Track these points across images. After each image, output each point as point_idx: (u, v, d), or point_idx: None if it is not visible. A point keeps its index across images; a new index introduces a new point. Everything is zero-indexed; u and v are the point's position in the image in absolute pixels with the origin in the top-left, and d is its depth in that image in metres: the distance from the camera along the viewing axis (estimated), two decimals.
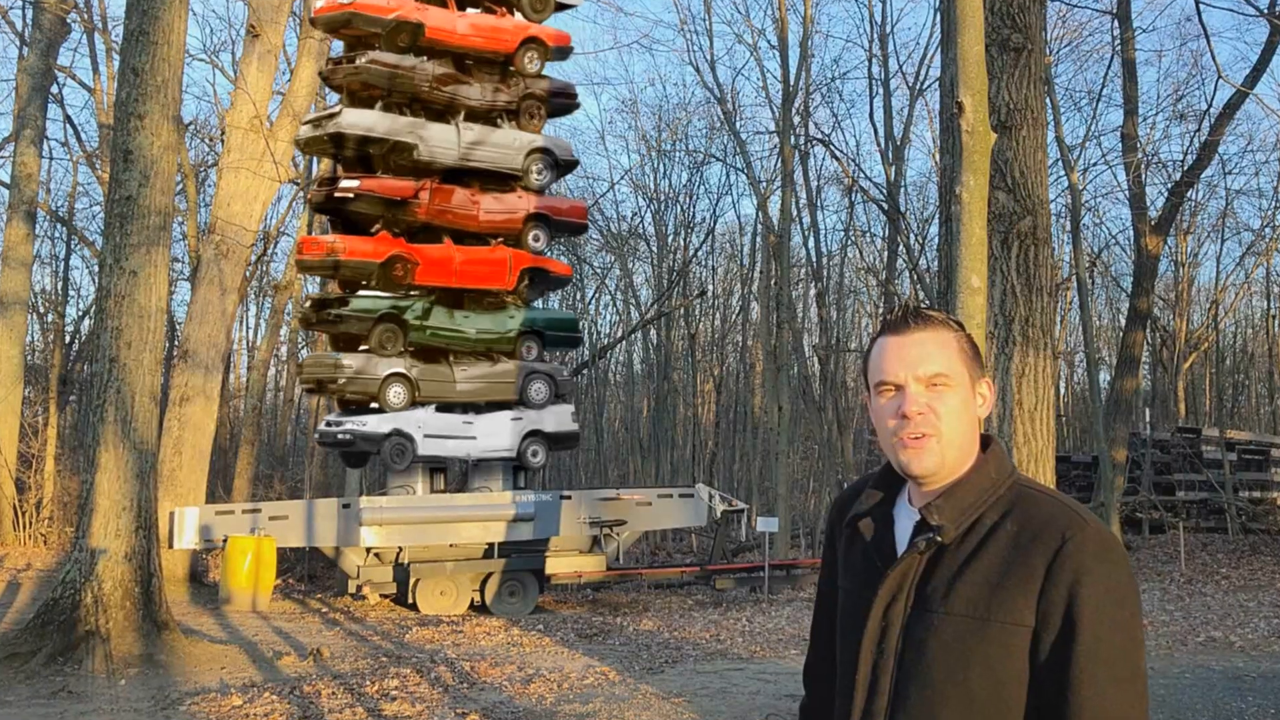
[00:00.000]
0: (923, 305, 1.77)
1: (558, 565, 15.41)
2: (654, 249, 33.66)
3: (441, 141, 15.59)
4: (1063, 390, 35.97)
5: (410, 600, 14.66)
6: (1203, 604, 13.64)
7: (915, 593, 1.66)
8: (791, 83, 23.46)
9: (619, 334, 33.76)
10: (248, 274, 21.14)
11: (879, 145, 26.79)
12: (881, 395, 1.72)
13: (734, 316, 37.35)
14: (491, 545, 15.16)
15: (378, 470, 21.31)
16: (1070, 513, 1.62)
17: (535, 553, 15.43)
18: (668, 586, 17.12)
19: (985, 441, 1.74)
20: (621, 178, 36.09)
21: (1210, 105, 22.99)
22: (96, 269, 21.82)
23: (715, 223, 35.78)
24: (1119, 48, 21.23)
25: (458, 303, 15.83)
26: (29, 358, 23.95)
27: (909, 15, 61.33)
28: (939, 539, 1.65)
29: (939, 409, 1.67)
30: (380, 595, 15.05)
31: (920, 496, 1.72)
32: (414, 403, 15.12)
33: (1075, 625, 1.54)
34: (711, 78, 31.77)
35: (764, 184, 27.86)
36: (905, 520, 1.75)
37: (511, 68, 16.35)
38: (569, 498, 15.90)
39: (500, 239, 16.11)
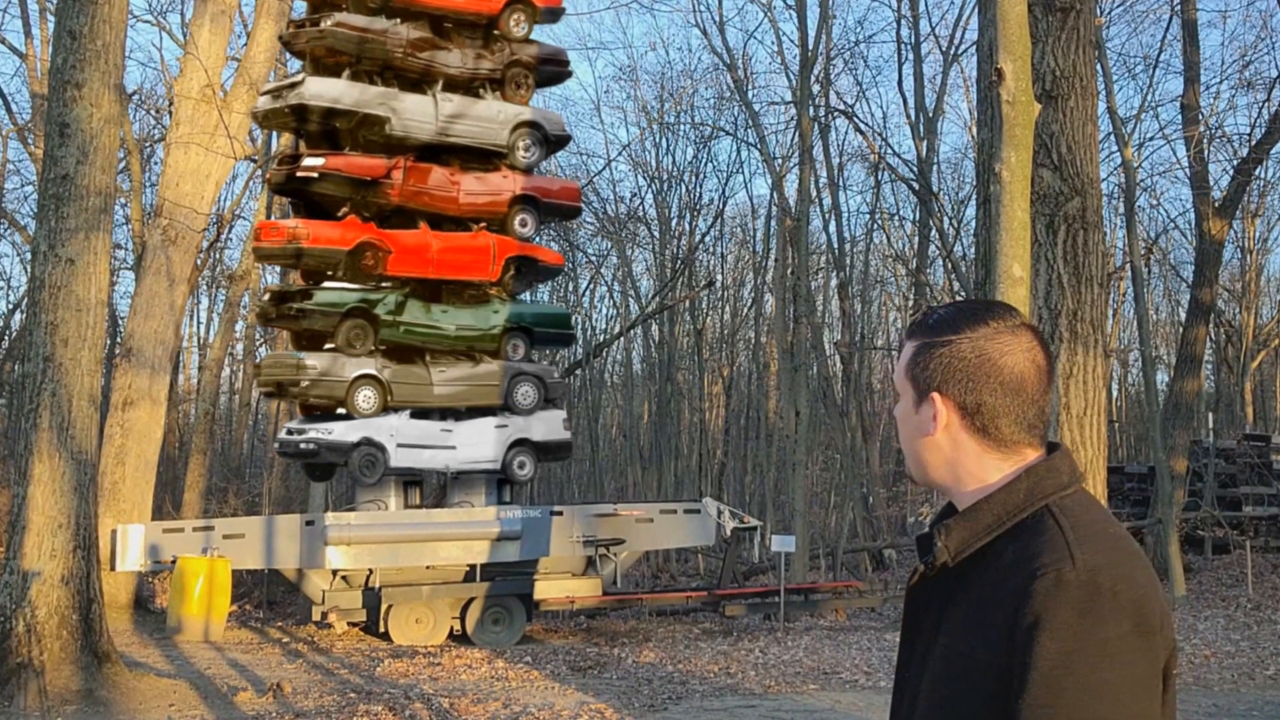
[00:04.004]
0: (943, 302, 1.80)
1: (548, 590, 15.41)
2: (656, 234, 33.69)
3: (416, 114, 15.58)
4: (1115, 393, 36.00)
5: (382, 629, 14.66)
6: (1272, 632, 13.64)
7: (929, 621, 1.70)
8: (810, 47, 23.47)
9: (616, 330, 33.78)
10: (199, 263, 21.13)
11: (908, 117, 26.82)
12: None
13: (746, 310, 37.37)
14: (473, 567, 15.16)
15: (345, 483, 21.30)
16: (1061, 545, 1.55)
17: (522, 575, 15.42)
18: (671, 613, 17.12)
19: (1050, 451, 1.73)
20: (619, 154, 36.11)
21: None
22: (29, 257, 21.82)
23: (725, 205, 35.82)
24: (1179, 8, 21.24)
25: (435, 296, 15.83)
26: None
27: None
28: (936, 563, 1.68)
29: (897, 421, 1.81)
30: (348, 623, 15.04)
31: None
32: (386, 408, 15.12)
33: (1026, 678, 1.49)
34: (720, 41, 31.86)
35: (779, 161, 27.87)
36: None
37: (495, 31, 16.34)
38: (560, 514, 15.90)
39: (483, 224, 16.11)
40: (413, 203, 15.59)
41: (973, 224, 19.53)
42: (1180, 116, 21.34)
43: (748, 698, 10.38)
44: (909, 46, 27.46)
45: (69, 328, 9.81)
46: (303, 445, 14.96)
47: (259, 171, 23.38)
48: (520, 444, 15.88)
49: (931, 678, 1.64)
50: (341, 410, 15.07)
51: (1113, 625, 1.48)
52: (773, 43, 38.05)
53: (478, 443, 15.61)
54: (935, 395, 1.71)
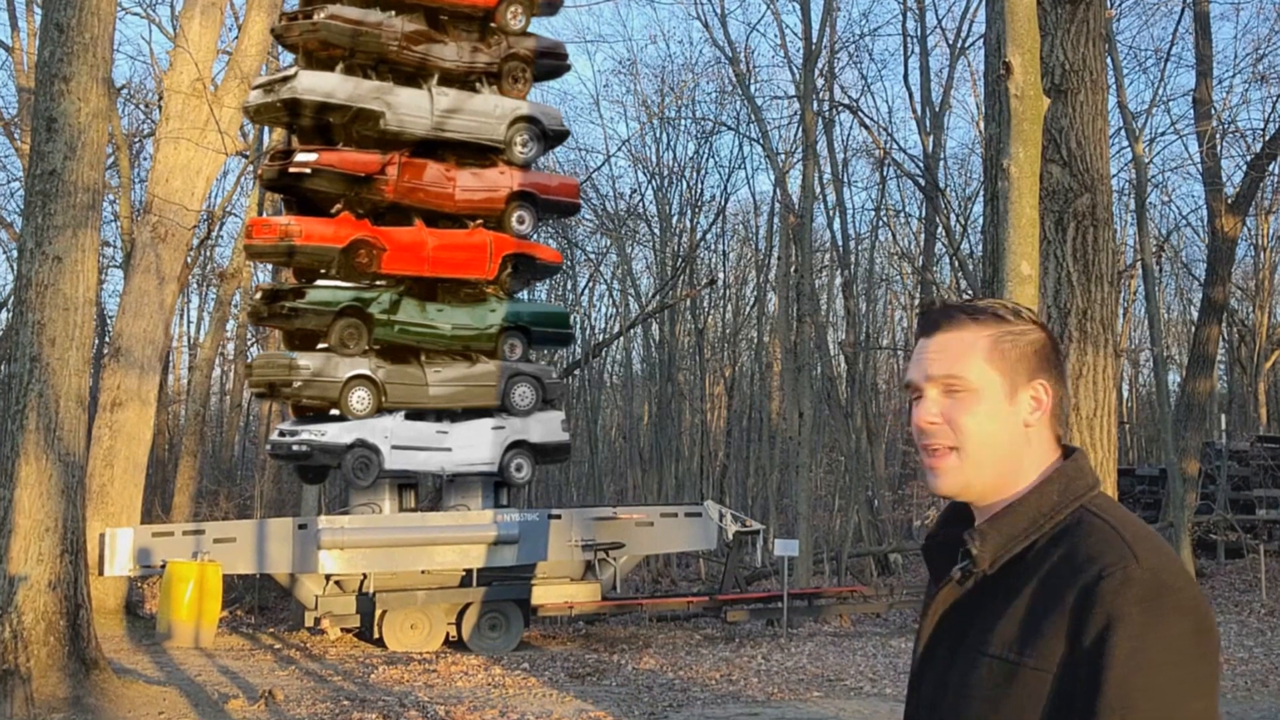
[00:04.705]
0: (960, 300, 1.78)
1: (546, 595, 15.41)
2: (656, 231, 33.69)
3: (412, 109, 15.59)
4: (1126, 394, 36.01)
5: (376, 635, 14.66)
6: None
7: (958, 630, 1.68)
8: (814, 40, 23.47)
9: (616, 329, 33.78)
10: (189, 260, 21.14)
11: (914, 112, 26.83)
12: (911, 403, 1.76)
13: (748, 309, 37.38)
14: (469, 572, 15.16)
15: (339, 486, 21.30)
16: (1120, 544, 1.57)
17: (520, 580, 15.43)
18: (672, 619, 17.13)
19: (1067, 454, 1.73)
20: (619, 149, 36.11)
21: None
22: (15, 254, 21.82)
23: (726, 201, 35.81)
24: (1190, 0, 21.23)
25: (430, 294, 15.83)
26: None
27: None
28: (974, 570, 1.66)
29: (959, 420, 1.68)
30: (342, 629, 15.05)
31: (979, 519, 1.74)
32: (380, 409, 15.13)
33: (1100, 680, 1.49)
34: (722, 34, 31.76)
35: (782, 156, 27.88)
36: None
37: (492, 24, 16.35)
38: (558, 517, 15.90)
39: (479, 221, 16.11)
40: (408, 199, 15.59)
41: (980, 221, 19.51)
42: (1192, 111, 21.33)
43: (750, 705, 10.39)
44: (915, 39, 27.50)
45: (56, 327, 9.81)
46: (295, 447, 14.96)
47: (250, 167, 23.39)
48: (517, 446, 15.88)
49: (965, 689, 1.62)
50: (335, 411, 15.07)
51: (1177, 623, 1.50)
52: (776, 35, 38.13)
53: (474, 444, 15.61)
54: (1041, 383, 1.70)
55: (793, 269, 24.53)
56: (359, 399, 14.99)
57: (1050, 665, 1.54)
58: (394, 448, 15.08)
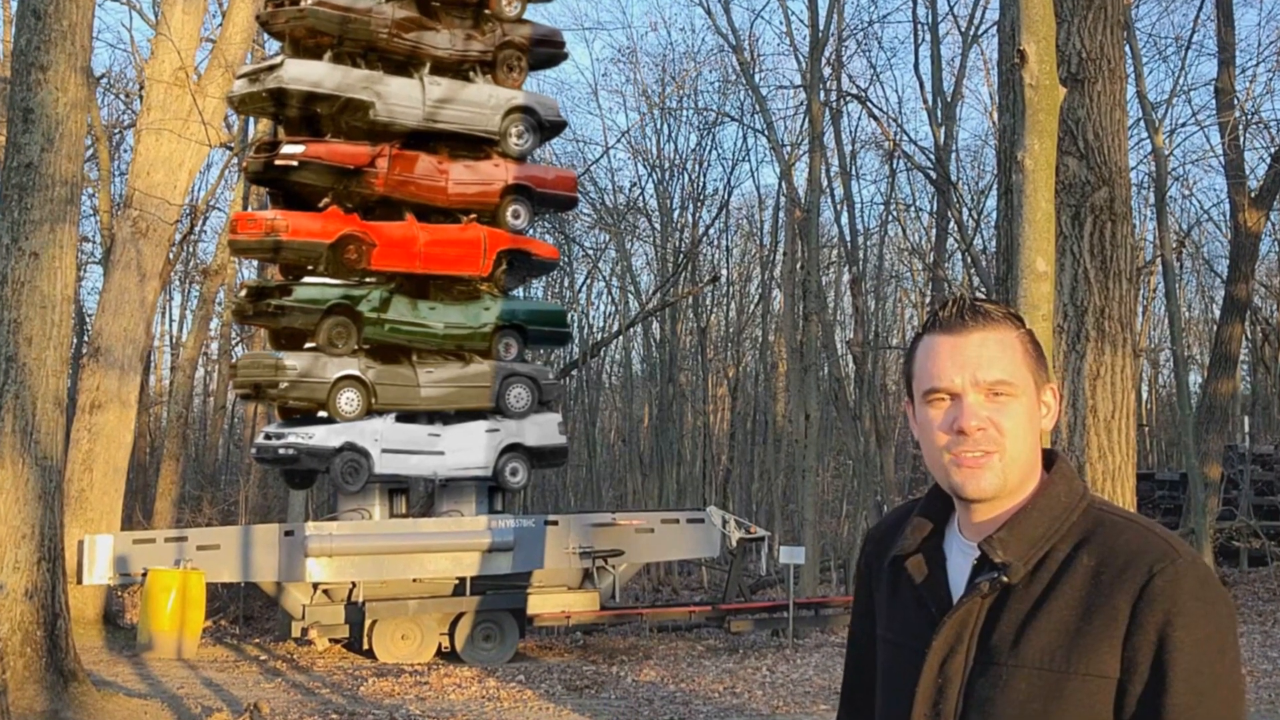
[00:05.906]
0: (979, 298, 1.77)
1: (542, 604, 15.42)
2: (657, 226, 33.70)
3: (402, 99, 15.60)
4: (1145, 395, 36.00)
5: (366, 646, 14.67)
6: None
7: (978, 643, 1.67)
8: (821, 27, 23.47)
9: (615, 328, 33.79)
10: (171, 256, 21.15)
11: (925, 102, 26.80)
12: (932, 405, 1.72)
13: (752, 307, 37.39)
14: (463, 580, 15.17)
15: (327, 491, 21.31)
16: (1159, 542, 1.63)
17: (515, 589, 15.44)
18: (673, 629, 17.14)
19: (1049, 458, 1.75)
20: (618, 141, 36.11)
21: None
22: None
23: (730, 195, 35.97)
24: None
25: (422, 291, 15.85)
26: None
27: None
28: (1005, 579, 1.66)
29: (1002, 423, 1.68)
30: (330, 640, 15.06)
31: (974, 528, 1.73)
32: (370, 411, 15.14)
33: (1167, 677, 1.55)
34: (725, 21, 31.68)
35: (788, 148, 27.88)
36: (958, 556, 1.76)
37: (486, 10, 16.36)
38: (555, 524, 15.91)
39: (473, 215, 16.13)
40: (398, 193, 15.60)
41: (994, 215, 19.54)
42: (1214, 101, 21.35)
43: (754, 718, 10.39)
44: (926, 27, 27.44)
45: (33, 326, 9.81)
46: (281, 451, 14.96)
47: (235, 160, 23.40)
48: (513, 449, 15.89)
49: (1001, 703, 1.63)
50: (323, 413, 15.08)
51: (1220, 609, 1.59)
52: (781, 23, 38.17)
53: (467, 448, 15.61)
54: (1052, 387, 1.77)
55: (799, 265, 24.54)
56: (348, 400, 15.00)
57: (1103, 671, 1.59)
58: (384, 451, 15.09)
